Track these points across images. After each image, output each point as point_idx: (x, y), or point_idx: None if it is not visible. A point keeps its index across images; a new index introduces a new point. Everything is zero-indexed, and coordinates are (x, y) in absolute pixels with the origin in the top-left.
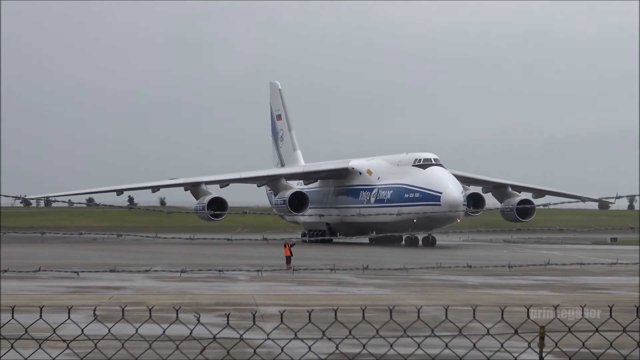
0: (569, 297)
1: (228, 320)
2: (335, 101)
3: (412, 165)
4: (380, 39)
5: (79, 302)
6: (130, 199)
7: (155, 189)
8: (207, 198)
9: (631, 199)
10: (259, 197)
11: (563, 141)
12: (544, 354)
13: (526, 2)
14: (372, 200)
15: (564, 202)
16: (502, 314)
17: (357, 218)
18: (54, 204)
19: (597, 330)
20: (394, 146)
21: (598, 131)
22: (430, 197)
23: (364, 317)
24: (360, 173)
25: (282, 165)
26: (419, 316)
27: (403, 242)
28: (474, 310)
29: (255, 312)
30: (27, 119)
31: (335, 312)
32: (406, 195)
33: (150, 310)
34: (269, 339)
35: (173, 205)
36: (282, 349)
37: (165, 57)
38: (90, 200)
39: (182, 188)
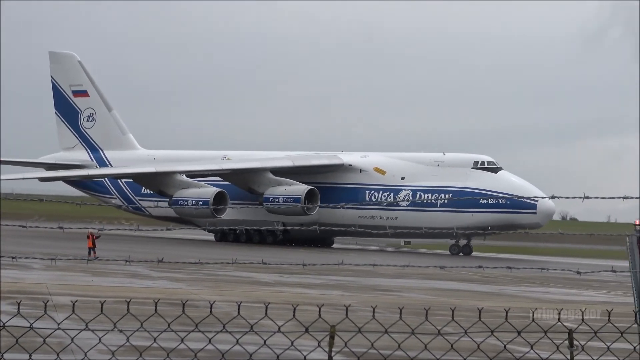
0: (360, 298)
1: (19, 308)
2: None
3: (473, 168)
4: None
5: None
6: None
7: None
8: (210, 191)
9: None
10: (50, 186)
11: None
12: (333, 353)
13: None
14: (403, 203)
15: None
16: (294, 312)
17: (367, 221)
18: None
19: (386, 332)
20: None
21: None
22: (523, 204)
23: (156, 310)
24: (361, 171)
25: (91, 149)
26: (211, 311)
27: (449, 251)
28: (267, 308)
29: (48, 301)
30: None
31: (128, 304)
32: (483, 201)
33: None
34: (59, 328)
35: None
36: (72, 339)
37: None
38: None
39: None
